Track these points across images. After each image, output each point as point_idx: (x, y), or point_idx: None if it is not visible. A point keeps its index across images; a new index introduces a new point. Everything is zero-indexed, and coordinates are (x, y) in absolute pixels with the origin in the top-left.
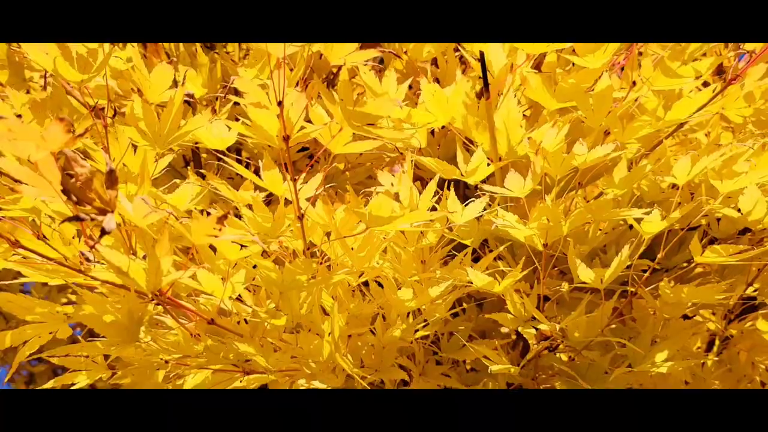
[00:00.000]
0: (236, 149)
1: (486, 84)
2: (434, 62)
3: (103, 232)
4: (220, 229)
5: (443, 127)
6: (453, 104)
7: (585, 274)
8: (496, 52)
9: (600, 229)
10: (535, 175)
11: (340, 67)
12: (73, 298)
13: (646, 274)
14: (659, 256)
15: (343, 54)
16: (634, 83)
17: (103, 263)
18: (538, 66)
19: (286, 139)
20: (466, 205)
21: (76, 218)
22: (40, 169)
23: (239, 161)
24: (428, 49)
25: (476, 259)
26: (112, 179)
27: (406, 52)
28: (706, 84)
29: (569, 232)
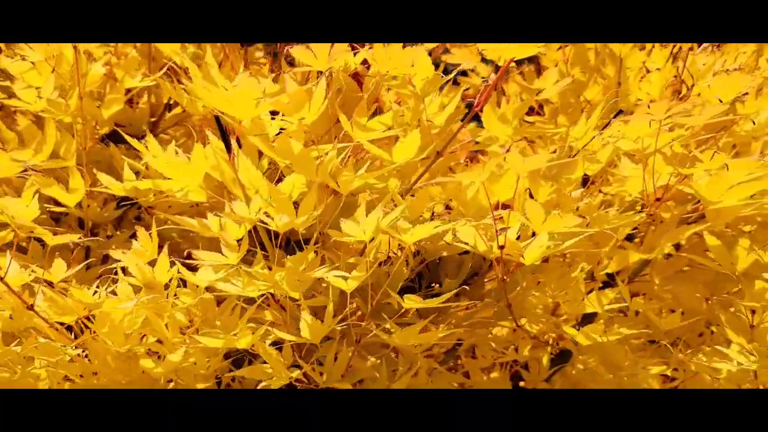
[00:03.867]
0: None
1: (226, 143)
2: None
3: None
4: None
5: None
6: (196, 167)
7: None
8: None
9: None
10: (238, 245)
11: None
12: None
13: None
14: (370, 305)
15: None
16: (336, 137)
17: None
18: None
19: None
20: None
21: None
22: None
23: None
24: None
25: None
26: None
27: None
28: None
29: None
